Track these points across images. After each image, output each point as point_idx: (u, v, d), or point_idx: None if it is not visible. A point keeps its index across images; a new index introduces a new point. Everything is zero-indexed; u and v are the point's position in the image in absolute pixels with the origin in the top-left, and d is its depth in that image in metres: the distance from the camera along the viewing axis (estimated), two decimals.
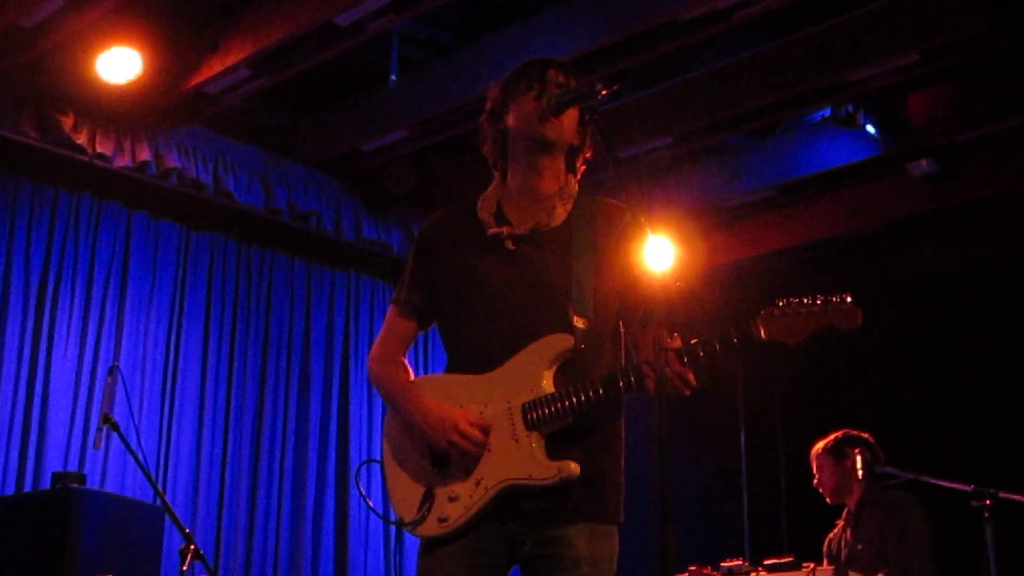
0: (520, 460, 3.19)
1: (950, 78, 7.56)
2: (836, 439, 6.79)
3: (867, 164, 8.24)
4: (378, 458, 3.48)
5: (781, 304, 3.13)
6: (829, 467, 6.78)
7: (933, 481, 6.26)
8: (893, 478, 6.54)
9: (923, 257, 9.14)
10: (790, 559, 6.48)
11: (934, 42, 6.77)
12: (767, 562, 6.52)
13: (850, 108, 7.76)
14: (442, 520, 3.22)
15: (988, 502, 5.87)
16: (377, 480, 3.49)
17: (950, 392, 8.62)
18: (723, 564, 6.65)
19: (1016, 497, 5.90)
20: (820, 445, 6.86)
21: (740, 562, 6.69)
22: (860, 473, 6.55)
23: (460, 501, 3.22)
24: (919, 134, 7.81)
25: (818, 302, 3.11)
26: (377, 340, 3.60)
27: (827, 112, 7.96)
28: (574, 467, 3.15)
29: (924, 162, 8.09)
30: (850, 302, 3.12)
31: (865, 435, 6.74)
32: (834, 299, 3.12)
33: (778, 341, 3.11)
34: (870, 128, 7.79)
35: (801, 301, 3.12)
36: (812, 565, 6.34)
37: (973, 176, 8.19)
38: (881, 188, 8.65)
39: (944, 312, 9.00)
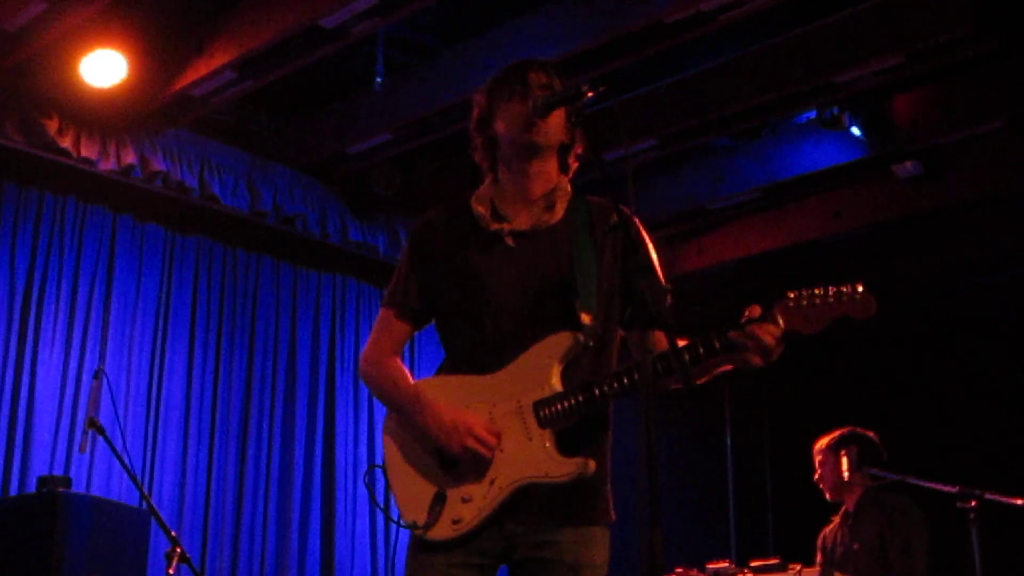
0: (535, 458, 3.17)
1: (935, 80, 7.58)
2: (840, 435, 6.77)
3: (852, 166, 8.25)
4: (378, 462, 3.43)
5: (794, 295, 3.14)
6: (830, 464, 6.76)
7: (919, 483, 6.26)
8: (880, 479, 6.55)
9: (908, 259, 9.16)
10: (776, 560, 6.48)
11: (919, 44, 6.79)
12: (753, 563, 6.52)
13: (835, 110, 7.77)
14: (456, 522, 3.20)
15: (973, 503, 5.88)
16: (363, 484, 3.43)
17: (935, 393, 8.64)
18: (709, 566, 6.65)
19: (1001, 498, 5.91)
20: (824, 441, 6.84)
21: (726, 564, 6.70)
22: (845, 474, 6.56)
23: (474, 502, 3.19)
24: (904, 136, 7.84)
25: (831, 292, 3.13)
26: (370, 341, 3.53)
27: (812, 114, 7.97)
28: (592, 464, 3.15)
29: (909, 164, 8.11)
30: (864, 291, 3.15)
31: (870, 433, 6.73)
32: (847, 289, 3.14)
33: (793, 332, 3.13)
34: (855, 130, 7.81)
35: (814, 292, 3.14)
36: (799, 567, 6.35)
37: (958, 178, 8.22)
38: (866, 190, 8.67)
39: (929, 313, 9.02)
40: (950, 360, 8.68)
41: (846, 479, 6.58)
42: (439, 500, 3.24)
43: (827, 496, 6.85)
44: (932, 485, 6.17)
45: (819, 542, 6.91)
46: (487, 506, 3.19)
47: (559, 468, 3.15)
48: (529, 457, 3.18)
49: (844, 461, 6.55)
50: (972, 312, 8.80)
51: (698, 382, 3.22)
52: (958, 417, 8.45)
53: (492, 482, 3.19)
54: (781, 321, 3.12)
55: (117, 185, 7.97)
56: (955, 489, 5.98)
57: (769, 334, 3.09)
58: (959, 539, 5.91)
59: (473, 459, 3.21)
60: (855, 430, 6.78)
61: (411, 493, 3.31)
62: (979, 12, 6.51)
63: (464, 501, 3.21)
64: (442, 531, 3.22)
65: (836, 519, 6.85)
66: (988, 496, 5.91)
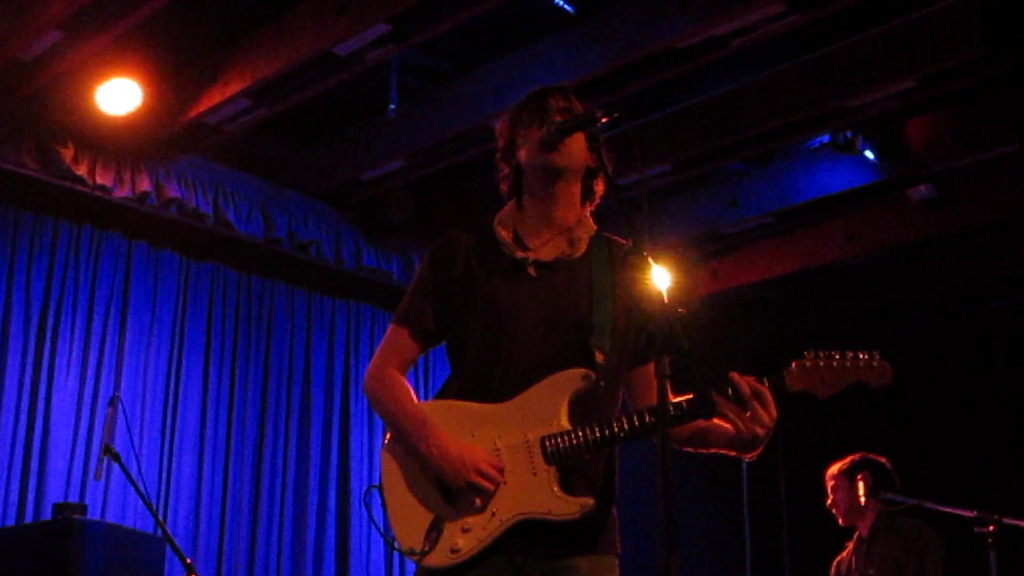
0: (539, 494, 3.15)
1: (948, 104, 7.58)
2: (852, 462, 6.77)
3: (866, 190, 8.24)
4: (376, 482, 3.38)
5: (811, 356, 3.16)
6: (843, 489, 6.75)
7: (936, 507, 6.24)
8: (897, 504, 6.53)
9: (922, 282, 9.15)
10: None
11: (932, 68, 6.79)
12: None
13: (849, 134, 7.77)
14: (454, 551, 3.16)
15: (992, 528, 5.86)
16: (375, 506, 3.38)
17: (952, 417, 8.61)
18: None
19: (1020, 523, 5.88)
20: (836, 467, 6.84)
21: None
22: (862, 500, 6.55)
23: (473, 532, 3.16)
24: (918, 159, 7.83)
25: (849, 356, 3.15)
26: (378, 357, 3.47)
27: (826, 138, 7.97)
28: (593, 503, 3.13)
29: (923, 187, 8.10)
30: (881, 360, 3.16)
31: (881, 459, 6.72)
32: (864, 355, 3.16)
33: (807, 393, 3.14)
34: (869, 154, 7.80)
35: (832, 355, 3.15)
36: None
37: (972, 201, 8.21)
38: (880, 214, 8.66)
39: (944, 337, 8.99)
40: (966, 384, 8.65)
41: (862, 504, 6.57)
42: (436, 527, 3.20)
43: (840, 521, 6.83)
44: (950, 510, 6.15)
45: (832, 571, 6.89)
46: (486, 537, 3.16)
47: (562, 507, 3.13)
48: (532, 492, 3.16)
49: (860, 486, 6.55)
50: (987, 335, 8.77)
51: (692, 449, 3.31)
52: (975, 441, 8.41)
53: (493, 514, 3.16)
54: (792, 384, 3.14)
55: (132, 212, 7.99)
56: (973, 514, 5.96)
57: (765, 389, 3.11)
58: (978, 564, 5.88)
59: (476, 492, 3.18)
60: (867, 455, 6.78)
61: (408, 517, 3.26)
62: (992, 35, 6.51)
63: (464, 531, 3.18)
64: (439, 559, 3.18)
65: (850, 545, 6.84)
66: (1007, 521, 5.89)
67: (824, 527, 6.94)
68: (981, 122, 7.60)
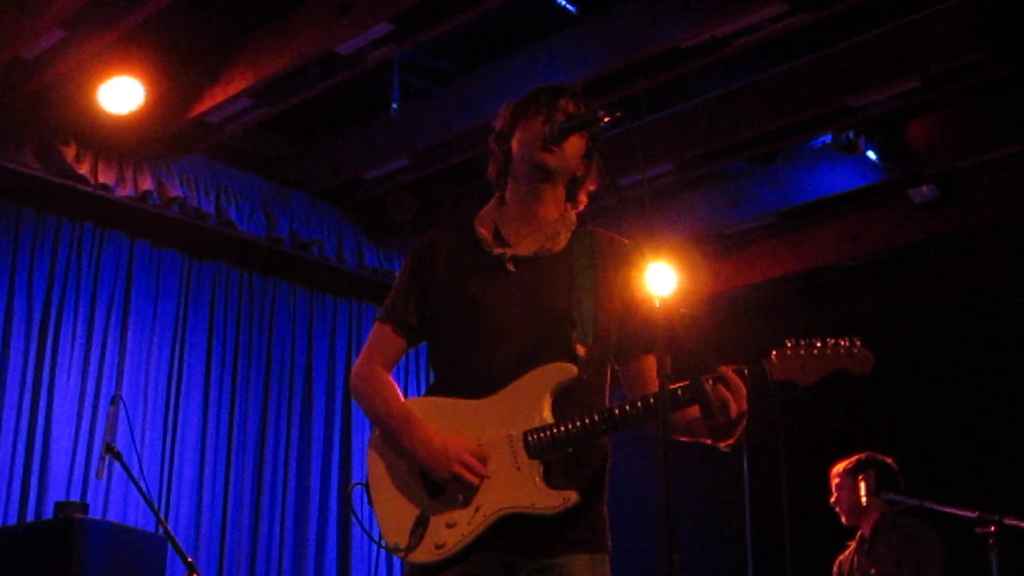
0: (522, 488, 3.15)
1: (951, 105, 7.57)
2: (858, 460, 6.77)
3: (868, 190, 8.24)
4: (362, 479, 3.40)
5: (791, 344, 3.13)
6: (847, 488, 6.76)
7: (938, 507, 6.24)
8: (898, 504, 6.53)
9: (924, 283, 9.13)
10: None
11: (935, 68, 6.78)
12: None
13: (851, 134, 7.76)
14: (439, 546, 3.17)
15: (993, 528, 5.86)
16: (364, 503, 3.40)
17: (953, 418, 8.60)
18: None
19: (1021, 523, 5.87)
20: (842, 465, 6.84)
21: None
22: (864, 499, 6.55)
23: (458, 527, 3.17)
24: (920, 160, 7.82)
25: (830, 343, 3.13)
26: (363, 356, 3.51)
27: (828, 138, 7.96)
28: (576, 496, 3.12)
29: (925, 188, 8.09)
30: (862, 346, 3.14)
31: (888, 459, 6.72)
32: (844, 343, 3.14)
33: (788, 381, 3.12)
34: (871, 154, 7.79)
35: (812, 343, 3.13)
36: None
37: (974, 202, 8.20)
38: (882, 214, 8.65)
39: (946, 338, 8.98)
40: (968, 384, 8.63)
41: (864, 504, 6.57)
42: (422, 523, 3.21)
43: (843, 520, 6.84)
44: (951, 510, 6.15)
45: (835, 570, 6.89)
46: (471, 532, 3.16)
47: (545, 500, 3.13)
48: (516, 486, 3.16)
49: (862, 486, 6.55)
50: (989, 336, 8.76)
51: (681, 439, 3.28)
52: (976, 442, 8.40)
53: (477, 509, 3.17)
54: (773, 372, 3.12)
55: (134, 211, 7.99)
56: (974, 514, 5.95)
57: (738, 382, 3.09)
58: (979, 565, 5.88)
59: (460, 485, 3.18)
60: (873, 455, 6.77)
61: (394, 513, 3.28)
62: (995, 37, 6.51)
63: (448, 526, 3.18)
64: (424, 554, 3.19)
65: (852, 544, 6.84)
66: (1008, 521, 5.88)
67: (826, 526, 6.94)
68: (984, 123, 7.59)
